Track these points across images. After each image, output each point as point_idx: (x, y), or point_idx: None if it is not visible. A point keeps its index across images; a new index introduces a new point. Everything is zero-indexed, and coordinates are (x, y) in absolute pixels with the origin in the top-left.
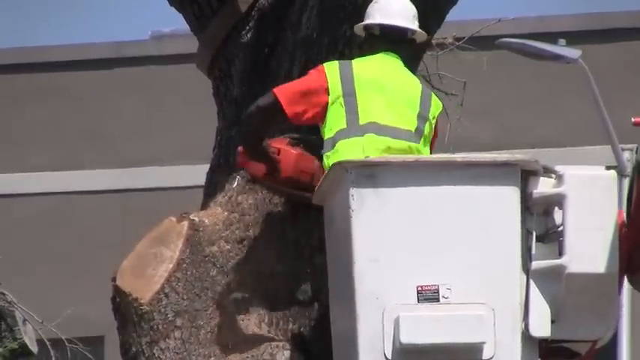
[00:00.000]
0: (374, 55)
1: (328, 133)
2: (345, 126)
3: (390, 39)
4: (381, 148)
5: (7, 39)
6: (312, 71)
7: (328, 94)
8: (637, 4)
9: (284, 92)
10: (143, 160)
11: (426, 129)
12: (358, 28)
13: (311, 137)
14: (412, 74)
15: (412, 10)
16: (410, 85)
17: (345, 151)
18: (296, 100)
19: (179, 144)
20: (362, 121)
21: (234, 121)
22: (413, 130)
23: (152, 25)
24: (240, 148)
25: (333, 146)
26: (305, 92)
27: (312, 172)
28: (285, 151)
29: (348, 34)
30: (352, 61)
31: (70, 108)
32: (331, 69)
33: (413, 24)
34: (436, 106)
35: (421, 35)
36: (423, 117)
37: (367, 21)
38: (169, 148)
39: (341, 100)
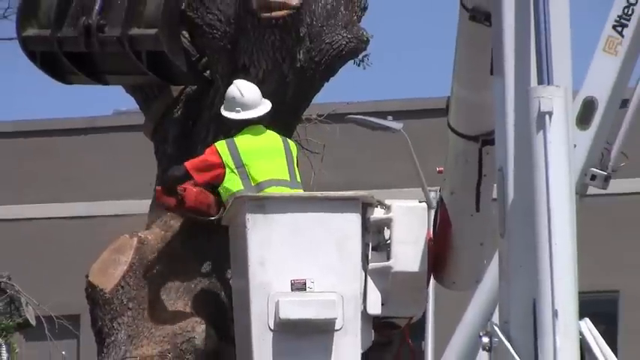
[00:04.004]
0: (246, 129)
1: (227, 192)
2: (242, 187)
3: (251, 121)
4: None
5: (7, 112)
6: (208, 150)
7: (224, 167)
8: (441, 92)
9: (192, 166)
10: (108, 196)
11: (296, 170)
12: (229, 120)
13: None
14: (272, 132)
15: (258, 93)
16: (275, 141)
17: None
18: (200, 169)
19: (132, 185)
20: (254, 182)
21: (168, 169)
22: (289, 178)
23: (114, 105)
24: (157, 188)
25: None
26: (206, 166)
27: (208, 203)
28: (189, 189)
29: None
30: (235, 139)
31: (56, 160)
32: (222, 148)
33: (264, 105)
34: (294, 147)
35: (268, 111)
36: (290, 161)
37: (232, 116)
38: (126, 187)
39: (235, 170)
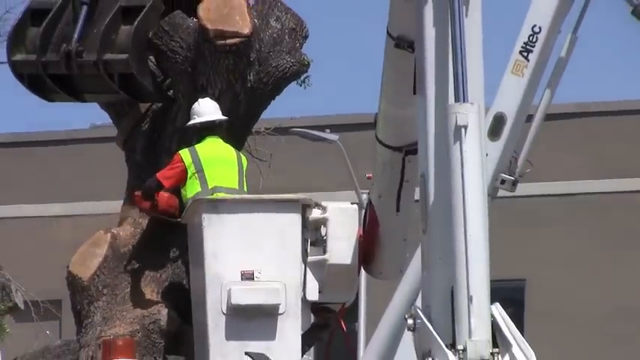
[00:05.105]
0: (206, 140)
1: (188, 194)
2: (200, 190)
3: (207, 128)
4: None
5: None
6: (175, 157)
7: (185, 171)
8: (371, 109)
9: (160, 174)
10: (85, 198)
11: (244, 180)
12: (188, 126)
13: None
14: (229, 145)
15: (214, 105)
16: (229, 153)
17: None
18: (167, 176)
19: (106, 188)
20: (210, 186)
21: (137, 175)
22: (237, 187)
23: (90, 119)
24: (136, 193)
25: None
26: (171, 172)
27: (175, 206)
28: (162, 195)
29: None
30: (196, 147)
31: (41, 166)
32: (185, 155)
33: (216, 114)
34: (245, 161)
35: (224, 119)
36: (240, 173)
37: (189, 123)
38: (101, 190)
39: (195, 175)
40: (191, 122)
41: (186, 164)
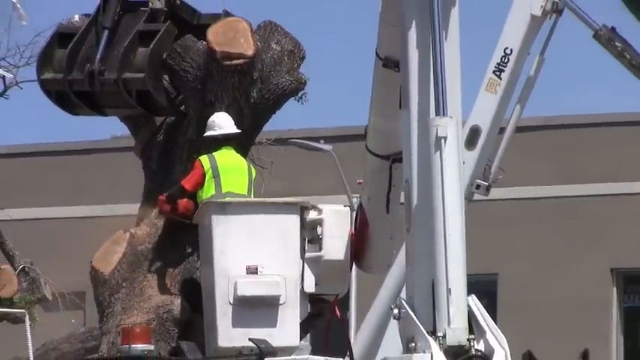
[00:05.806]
0: (222, 150)
1: (204, 196)
2: (214, 192)
3: (224, 139)
4: None
5: (29, 136)
6: (195, 163)
7: (204, 175)
8: (361, 121)
9: (184, 181)
10: (107, 201)
11: (252, 188)
12: (207, 136)
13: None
14: (242, 156)
15: (231, 119)
16: (242, 164)
17: None
18: (189, 181)
19: (125, 192)
20: (223, 190)
21: (153, 180)
22: (246, 193)
23: (111, 131)
24: (160, 197)
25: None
26: (193, 177)
27: (192, 210)
28: (180, 199)
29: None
30: (214, 154)
31: (69, 174)
32: (205, 162)
33: (234, 128)
34: (254, 171)
35: (240, 133)
36: (250, 181)
37: (210, 133)
38: (120, 194)
39: (212, 179)
40: (210, 133)
41: (205, 169)
